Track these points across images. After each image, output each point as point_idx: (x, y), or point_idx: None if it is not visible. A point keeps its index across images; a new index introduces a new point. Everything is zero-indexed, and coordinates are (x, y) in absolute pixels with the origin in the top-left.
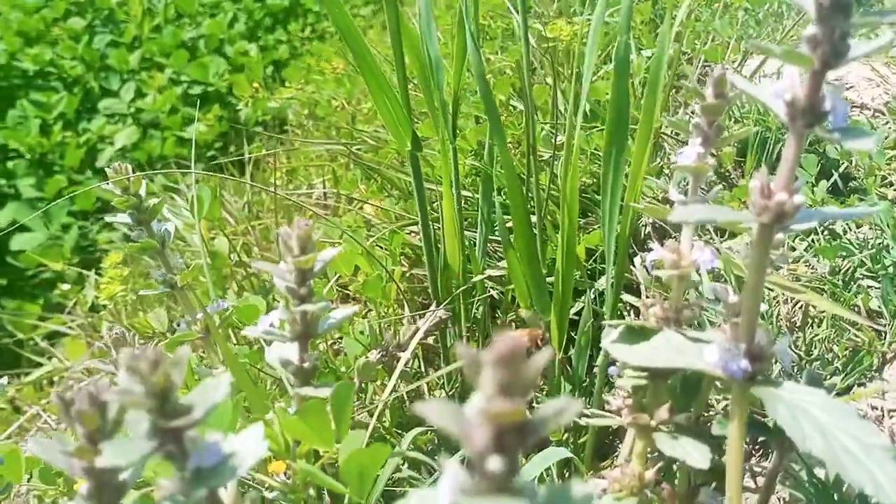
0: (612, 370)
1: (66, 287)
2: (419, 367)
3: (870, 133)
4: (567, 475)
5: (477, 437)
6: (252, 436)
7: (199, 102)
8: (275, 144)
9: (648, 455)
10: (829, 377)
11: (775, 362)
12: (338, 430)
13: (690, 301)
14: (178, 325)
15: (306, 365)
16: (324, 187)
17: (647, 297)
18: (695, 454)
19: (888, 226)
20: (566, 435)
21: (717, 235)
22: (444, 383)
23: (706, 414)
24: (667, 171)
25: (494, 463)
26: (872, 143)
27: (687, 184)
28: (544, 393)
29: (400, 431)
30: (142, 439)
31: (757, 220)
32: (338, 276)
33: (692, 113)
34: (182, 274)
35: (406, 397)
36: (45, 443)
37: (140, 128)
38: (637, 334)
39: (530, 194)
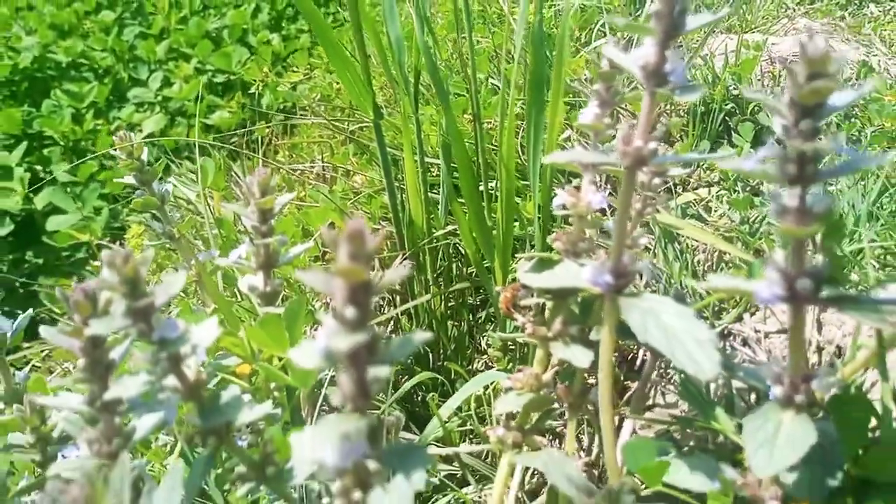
0: (521, 294)
1: (97, 263)
2: (389, 306)
3: (698, 88)
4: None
5: (338, 292)
6: (208, 325)
7: (222, 90)
8: (284, 127)
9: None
10: (729, 311)
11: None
12: (291, 337)
13: (585, 237)
14: (176, 270)
15: (269, 289)
16: (322, 162)
17: (553, 233)
18: (580, 356)
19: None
20: (511, 365)
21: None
22: (410, 318)
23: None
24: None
25: (350, 312)
26: (697, 95)
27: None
28: (493, 329)
29: None
30: (118, 317)
31: (618, 162)
32: (318, 236)
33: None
34: (179, 226)
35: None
36: (51, 330)
37: (167, 115)
38: (544, 264)
39: (479, 159)
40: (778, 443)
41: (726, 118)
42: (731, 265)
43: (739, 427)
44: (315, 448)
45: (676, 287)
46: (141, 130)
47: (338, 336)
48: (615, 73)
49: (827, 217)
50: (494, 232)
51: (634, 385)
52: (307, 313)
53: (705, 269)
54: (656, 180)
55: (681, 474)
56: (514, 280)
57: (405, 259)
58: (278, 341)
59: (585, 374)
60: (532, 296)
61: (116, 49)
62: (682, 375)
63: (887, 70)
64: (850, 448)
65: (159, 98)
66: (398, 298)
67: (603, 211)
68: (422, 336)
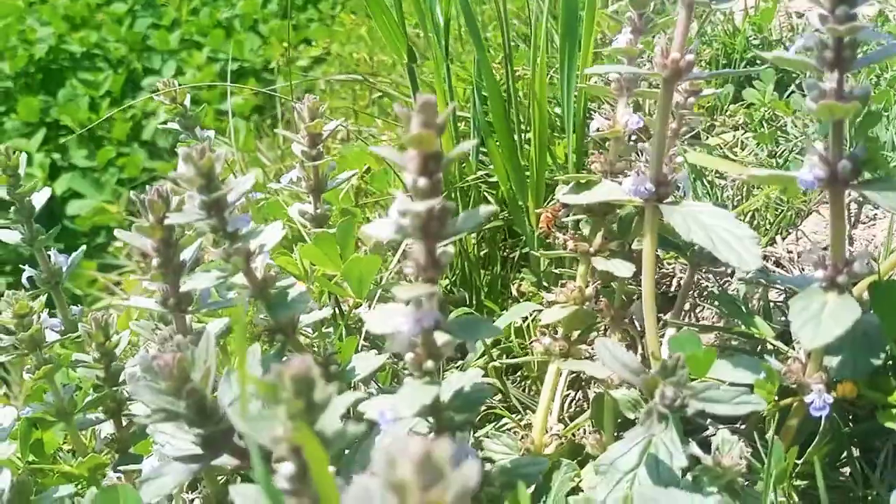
0: (561, 214)
1: (118, 244)
2: None
3: None
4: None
5: (410, 163)
6: (274, 226)
7: (236, 78)
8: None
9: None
10: (762, 237)
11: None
12: (343, 254)
13: (623, 158)
14: None
15: (319, 212)
16: (346, 126)
17: (592, 155)
18: (621, 268)
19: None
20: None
21: None
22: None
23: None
24: None
25: (422, 182)
26: (732, 3)
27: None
28: (529, 265)
29: None
30: (194, 210)
31: (657, 74)
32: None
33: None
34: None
35: None
36: (126, 232)
37: None
38: (583, 186)
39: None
40: (823, 318)
41: (747, 66)
42: (757, 197)
43: (777, 333)
44: (389, 319)
45: (715, 198)
46: (156, 117)
47: (411, 203)
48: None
49: (864, 100)
50: (527, 172)
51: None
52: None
53: (735, 203)
54: (691, 99)
55: (726, 369)
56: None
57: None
58: (332, 258)
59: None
60: (570, 215)
61: (129, 39)
62: (720, 289)
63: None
64: (890, 329)
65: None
66: None
67: (636, 137)
68: (487, 209)
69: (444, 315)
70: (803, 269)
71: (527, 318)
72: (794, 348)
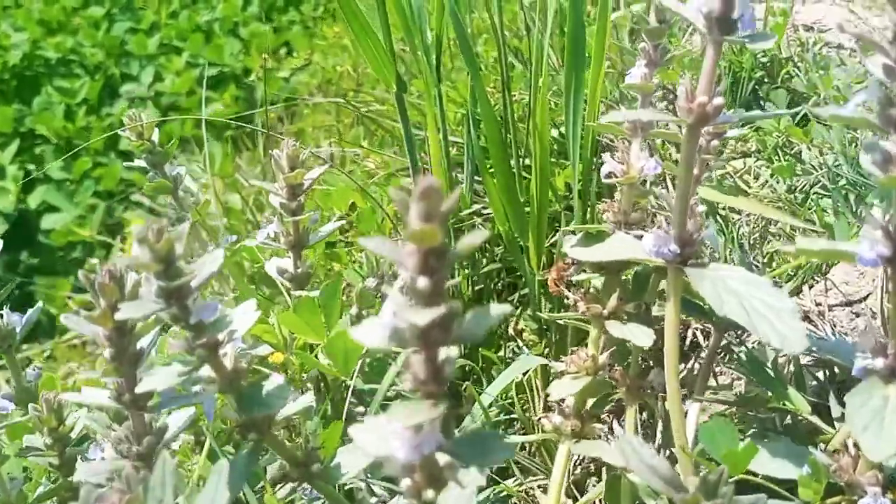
0: (569, 271)
1: (94, 261)
2: None
3: (770, 35)
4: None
5: (407, 260)
6: (246, 308)
7: (215, 84)
8: (285, 114)
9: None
10: (782, 284)
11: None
12: (328, 322)
13: (638, 206)
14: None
15: (300, 271)
16: (330, 146)
17: (603, 203)
18: (640, 335)
19: (839, 143)
20: (547, 350)
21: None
22: None
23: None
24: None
25: (423, 282)
26: (771, 43)
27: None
28: (528, 312)
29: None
30: (151, 299)
31: (682, 120)
32: (339, 216)
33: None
34: (194, 209)
35: None
36: (74, 318)
37: (160, 110)
38: (593, 238)
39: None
40: (886, 422)
41: (755, 87)
42: (777, 237)
43: (814, 407)
44: (382, 441)
45: (741, 256)
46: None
47: (410, 311)
48: (664, 30)
49: None
50: (527, 209)
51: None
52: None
53: (751, 242)
54: (714, 142)
55: (762, 460)
56: (549, 259)
57: None
58: (314, 327)
59: (642, 356)
60: (581, 272)
61: (107, 44)
62: (746, 352)
63: None
64: None
65: (151, 93)
66: None
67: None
68: (499, 309)
69: (450, 432)
70: (835, 326)
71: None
72: (835, 427)
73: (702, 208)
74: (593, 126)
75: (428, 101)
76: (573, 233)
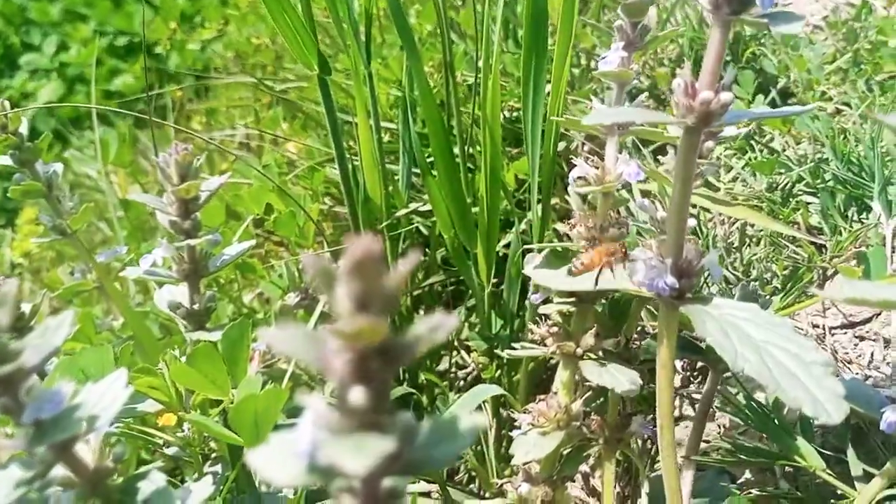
0: (534, 298)
1: None
2: None
3: (798, 17)
4: (502, 414)
5: (337, 364)
6: (113, 381)
7: (125, 53)
8: (198, 88)
9: (579, 385)
10: (768, 297)
11: (706, 279)
12: (233, 374)
13: (617, 219)
14: (74, 275)
15: (197, 307)
16: (246, 128)
17: (573, 217)
18: (623, 380)
19: (827, 137)
20: (499, 372)
21: (652, 158)
22: None
23: (638, 338)
24: (601, 95)
25: (357, 395)
26: (799, 27)
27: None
28: (476, 329)
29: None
30: None
31: (682, 121)
32: (256, 217)
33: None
34: (72, 218)
35: None
36: None
37: (65, 82)
38: (561, 258)
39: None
40: None
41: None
42: (756, 239)
43: (828, 461)
44: None
45: (742, 283)
46: (36, 99)
47: (339, 445)
48: (647, 4)
49: None
50: (475, 209)
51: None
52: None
53: (727, 245)
54: (708, 143)
55: None
56: (500, 268)
57: None
58: (217, 380)
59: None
60: (547, 300)
61: (5, 12)
62: (747, 395)
63: (876, 10)
64: None
65: (55, 64)
66: None
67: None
68: (472, 421)
69: None
70: (836, 352)
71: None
72: (854, 486)
73: (692, 222)
74: (560, 122)
75: (356, 82)
76: (539, 251)
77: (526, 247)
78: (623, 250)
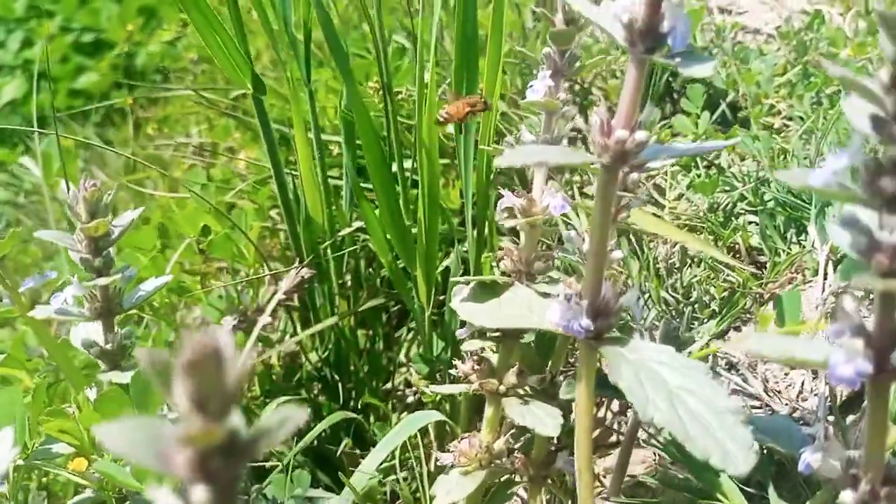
0: (460, 332)
1: None
2: (290, 327)
3: (709, 58)
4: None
5: (178, 462)
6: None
7: (92, 51)
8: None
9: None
10: (706, 320)
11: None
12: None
13: (542, 251)
14: (2, 301)
15: (109, 347)
16: (200, 136)
17: (499, 248)
18: (546, 421)
19: (767, 158)
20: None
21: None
22: (317, 345)
23: (565, 370)
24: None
25: (200, 495)
26: (709, 69)
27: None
28: (419, 350)
29: (269, 400)
30: None
31: (597, 160)
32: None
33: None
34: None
35: (279, 360)
36: None
37: (30, 79)
38: (488, 291)
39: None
40: None
41: (669, 80)
42: (698, 261)
43: (750, 499)
44: None
45: (665, 319)
46: None
47: None
48: (573, 33)
49: None
50: (414, 230)
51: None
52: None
53: (668, 265)
54: (634, 175)
55: None
56: (441, 289)
57: (302, 266)
58: None
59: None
60: (473, 336)
61: None
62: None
63: (831, 18)
64: None
65: (20, 60)
66: (296, 315)
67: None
68: None
69: None
70: (767, 382)
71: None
72: None
73: (617, 254)
74: (488, 150)
75: (294, 103)
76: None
77: (452, 279)
78: (483, 101)
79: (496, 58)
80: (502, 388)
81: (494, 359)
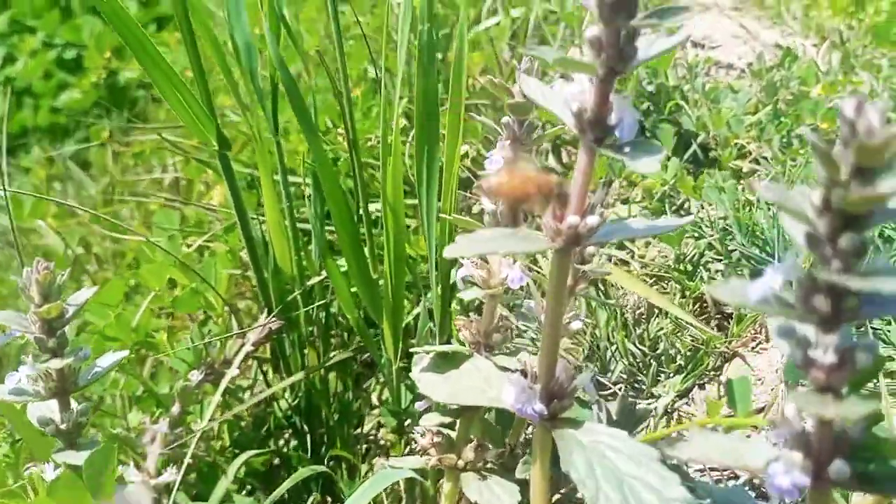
0: (419, 405)
1: None
2: (261, 375)
3: (658, 149)
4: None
5: None
6: None
7: (74, 67)
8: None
9: None
10: (672, 374)
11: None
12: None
13: (500, 323)
14: None
15: (66, 426)
16: (175, 169)
17: (460, 318)
18: (503, 498)
19: (732, 209)
20: (406, 447)
21: None
22: (287, 394)
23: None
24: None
25: None
26: (656, 164)
27: None
28: (388, 404)
29: (239, 451)
30: None
31: (550, 245)
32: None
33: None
34: None
35: (247, 410)
36: None
37: (12, 95)
38: (448, 361)
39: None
40: None
41: (641, 119)
42: (665, 311)
43: None
44: None
45: (621, 395)
46: None
47: None
48: (530, 105)
49: (872, 372)
50: (381, 282)
51: None
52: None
53: (636, 317)
54: (590, 248)
55: None
56: (407, 340)
57: (271, 317)
58: None
59: None
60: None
61: None
62: None
63: (805, 53)
64: None
65: (1, 77)
66: (267, 365)
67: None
68: None
69: None
70: None
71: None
72: None
73: (576, 325)
74: (449, 219)
75: (260, 157)
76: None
77: (412, 350)
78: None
79: (456, 122)
80: (461, 463)
81: (454, 431)
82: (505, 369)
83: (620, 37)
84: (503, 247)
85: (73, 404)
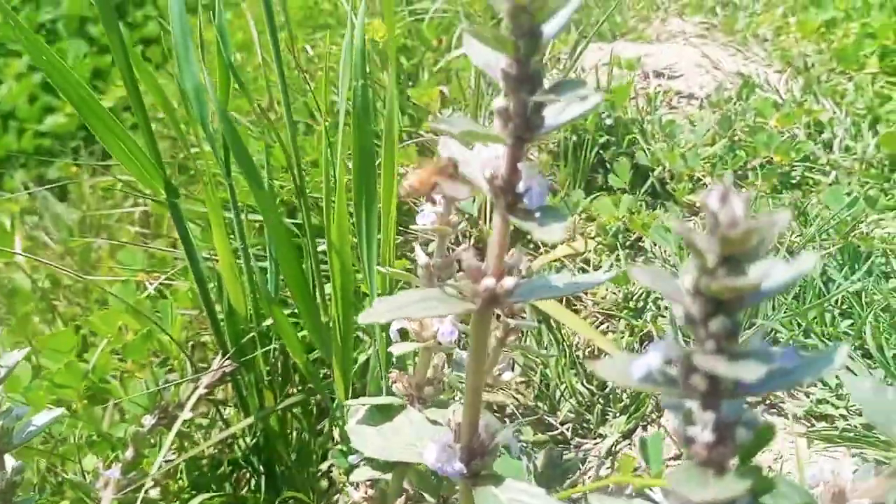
0: (352, 459)
1: None
2: (218, 416)
3: (563, 217)
4: None
5: None
6: None
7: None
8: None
9: None
10: (618, 414)
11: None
12: None
13: (433, 376)
14: None
15: (1, 485)
16: (145, 203)
17: (391, 371)
18: None
19: (676, 254)
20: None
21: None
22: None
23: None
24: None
25: None
26: (561, 232)
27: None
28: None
29: (195, 493)
30: None
31: (467, 308)
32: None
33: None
34: None
35: (205, 454)
36: None
37: None
38: (383, 413)
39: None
40: None
41: (600, 151)
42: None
43: None
44: None
45: (549, 447)
46: None
47: None
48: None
49: (757, 445)
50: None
51: None
52: None
53: (585, 354)
54: (520, 304)
55: None
56: (357, 386)
57: (225, 359)
58: None
59: None
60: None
61: None
62: None
63: (767, 81)
64: None
65: None
66: (228, 407)
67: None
68: None
69: None
70: None
71: None
72: None
73: (508, 375)
74: (386, 273)
75: (210, 203)
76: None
77: (346, 403)
78: (453, 164)
79: (390, 180)
80: None
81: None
82: (435, 423)
83: (527, 107)
84: (420, 311)
85: (10, 463)
